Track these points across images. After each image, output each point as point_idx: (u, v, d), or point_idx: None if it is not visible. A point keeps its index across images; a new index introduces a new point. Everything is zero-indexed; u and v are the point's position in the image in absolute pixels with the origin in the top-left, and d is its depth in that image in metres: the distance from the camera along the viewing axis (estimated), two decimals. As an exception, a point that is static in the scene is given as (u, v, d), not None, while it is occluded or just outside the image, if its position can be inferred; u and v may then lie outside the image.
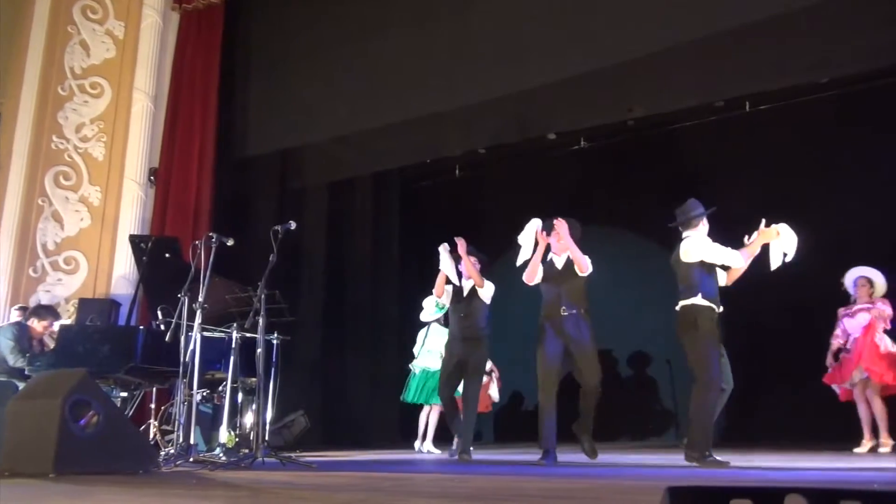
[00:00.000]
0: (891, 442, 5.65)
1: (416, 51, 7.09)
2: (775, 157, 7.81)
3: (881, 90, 6.96)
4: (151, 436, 5.29)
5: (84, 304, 6.84)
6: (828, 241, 6.74)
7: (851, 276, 6.12)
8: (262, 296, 4.63)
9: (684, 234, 4.49)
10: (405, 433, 9.27)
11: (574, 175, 9.11)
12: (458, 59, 6.87)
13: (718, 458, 4.19)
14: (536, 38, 6.49)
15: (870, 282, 6.03)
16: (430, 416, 6.78)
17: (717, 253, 4.35)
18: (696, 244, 4.38)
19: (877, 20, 5.61)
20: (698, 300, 4.27)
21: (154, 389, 5.68)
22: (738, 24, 5.68)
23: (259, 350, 4.63)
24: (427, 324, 6.88)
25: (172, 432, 4.92)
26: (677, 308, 4.38)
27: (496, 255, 9.30)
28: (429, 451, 6.61)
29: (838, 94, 7.20)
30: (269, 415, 5.45)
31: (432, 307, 6.73)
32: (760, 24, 5.62)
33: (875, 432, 5.77)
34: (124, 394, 5.53)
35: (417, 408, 6.88)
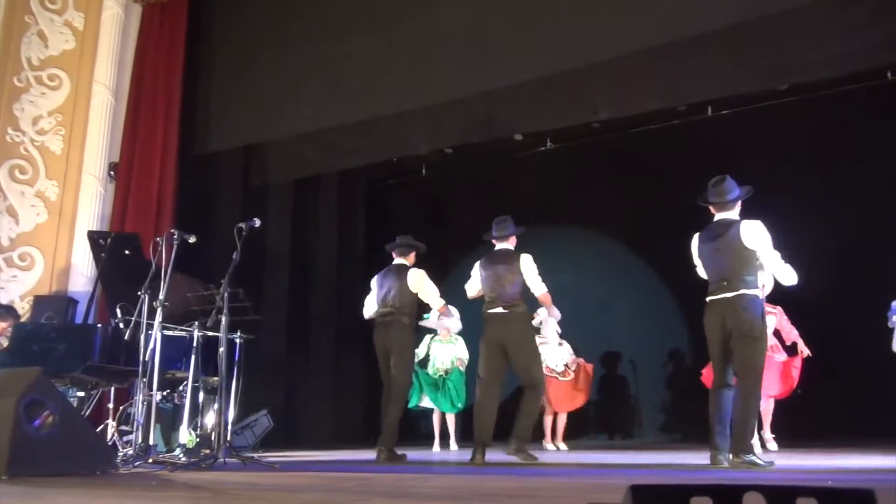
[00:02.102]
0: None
1: (382, 49, 7.07)
2: (736, 160, 7.97)
3: (838, 97, 7.15)
4: (109, 436, 5.17)
5: (40, 302, 6.67)
6: (790, 244, 6.91)
7: None
8: (226, 294, 4.57)
9: (719, 216, 4.16)
10: (369, 433, 9.25)
11: (540, 176, 9.18)
12: (424, 57, 6.87)
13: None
14: (502, 39, 6.52)
15: None
16: (444, 418, 6.94)
17: (776, 261, 4.00)
18: (765, 231, 3.96)
19: (834, 30, 5.77)
20: (760, 294, 3.92)
21: (112, 389, 5.55)
22: (699, 31, 5.80)
23: (221, 349, 4.57)
24: (432, 333, 6.95)
25: (131, 433, 4.83)
26: (737, 295, 3.90)
27: (462, 255, 9.35)
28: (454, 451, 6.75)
29: (797, 101, 7.38)
30: (231, 415, 5.38)
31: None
32: (721, 31, 5.75)
33: None
34: (81, 393, 5.40)
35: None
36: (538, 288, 4.96)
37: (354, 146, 8.11)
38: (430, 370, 6.88)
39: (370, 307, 5.49)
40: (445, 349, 6.95)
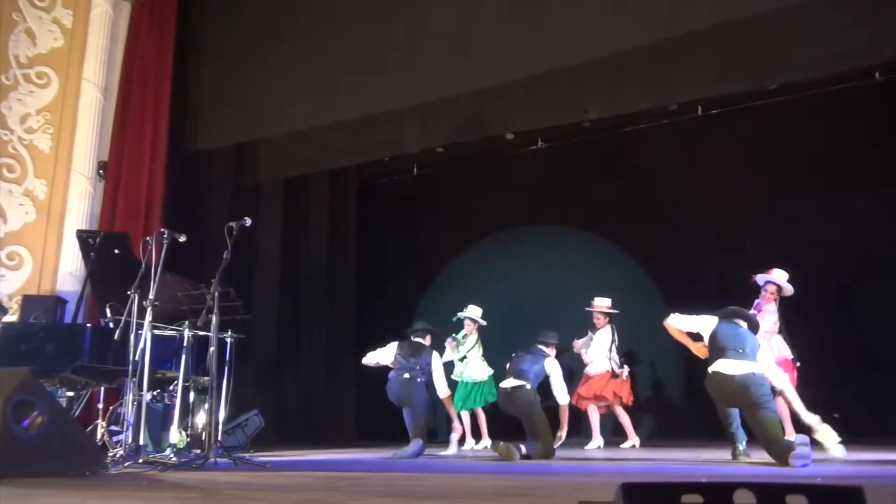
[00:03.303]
0: None
1: (373, 47, 7.06)
2: (726, 159, 8.02)
3: (827, 97, 7.19)
4: (99, 437, 5.14)
5: (28, 301, 6.60)
6: (780, 244, 6.97)
7: None
8: (216, 293, 4.55)
9: None
10: (361, 432, 9.24)
11: (531, 175, 9.19)
12: (415, 56, 6.86)
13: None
14: (494, 38, 6.53)
15: None
16: (474, 416, 7.07)
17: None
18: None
19: (823, 29, 5.80)
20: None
21: (102, 389, 5.52)
22: (689, 31, 5.82)
23: (212, 348, 4.55)
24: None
25: (121, 433, 4.80)
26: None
27: (453, 253, 9.36)
28: (484, 448, 6.84)
29: (786, 100, 7.42)
30: (221, 414, 5.36)
31: (454, 348, 7.14)
32: (711, 30, 5.77)
33: None
34: (71, 393, 5.37)
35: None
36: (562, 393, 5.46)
37: (345, 145, 8.09)
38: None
39: (376, 358, 6.02)
40: (481, 368, 7.16)
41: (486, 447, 6.84)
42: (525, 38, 6.38)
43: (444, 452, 5.93)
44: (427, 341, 6.05)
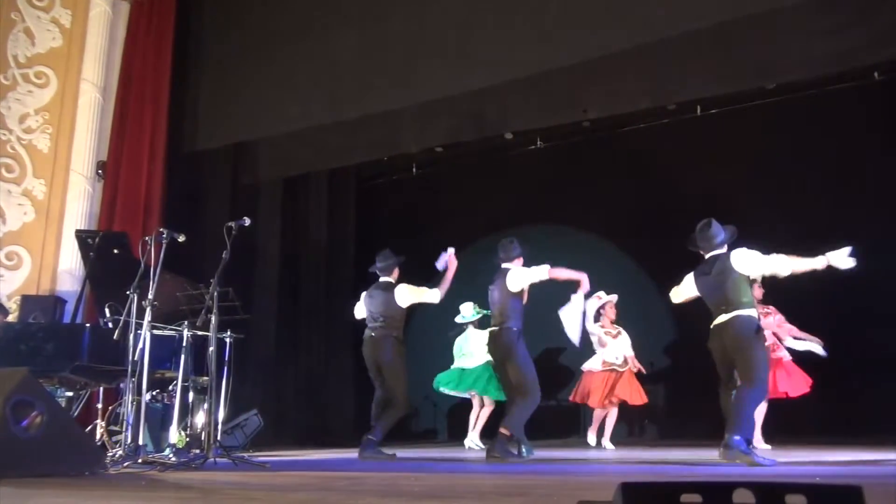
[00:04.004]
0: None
1: (372, 47, 7.05)
2: (724, 159, 8.02)
3: (826, 96, 7.20)
4: (98, 437, 5.14)
5: (27, 301, 6.61)
6: (781, 243, 6.95)
7: None
8: (215, 293, 4.55)
9: (709, 255, 4.53)
10: (360, 431, 9.24)
11: (530, 175, 9.19)
12: (414, 56, 6.85)
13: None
14: (492, 37, 6.52)
15: None
16: (480, 412, 6.93)
17: (771, 263, 4.37)
18: (750, 253, 4.39)
19: (822, 29, 5.80)
20: (753, 312, 4.35)
21: (101, 389, 5.52)
22: (688, 30, 5.82)
23: (211, 348, 4.56)
24: (461, 329, 7.08)
25: (120, 433, 4.80)
26: (732, 317, 4.33)
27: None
28: (473, 447, 6.75)
29: (785, 100, 7.43)
30: (221, 414, 5.36)
31: (470, 310, 6.98)
32: (709, 29, 5.77)
33: None
34: (70, 393, 5.37)
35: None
36: (538, 272, 4.99)
37: (344, 145, 8.08)
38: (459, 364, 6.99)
39: (358, 314, 5.69)
40: (481, 337, 6.81)
41: (470, 447, 6.80)
42: (523, 37, 6.38)
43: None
44: (394, 277, 5.49)
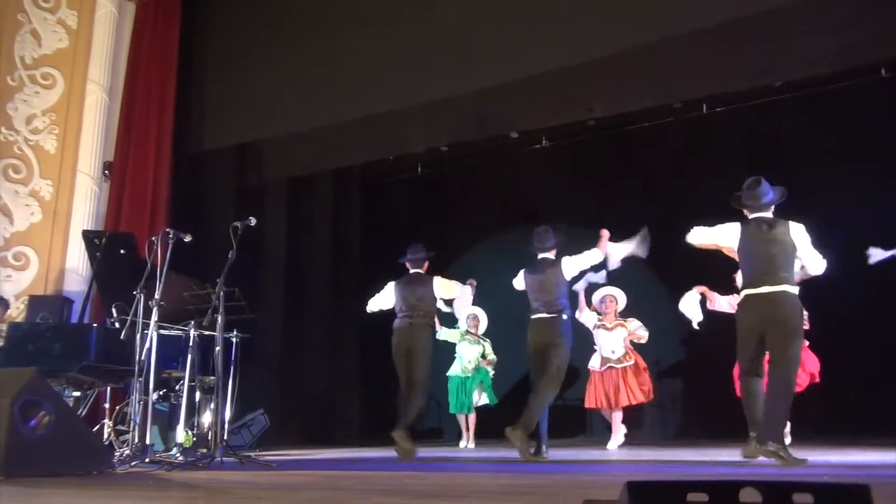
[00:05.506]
0: None
1: (378, 46, 7.05)
2: (731, 157, 7.99)
3: (833, 94, 7.16)
4: (106, 436, 5.16)
5: (34, 302, 6.64)
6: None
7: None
8: (221, 293, 4.56)
9: (755, 215, 4.23)
10: (365, 431, 9.24)
11: (535, 174, 9.17)
12: (419, 55, 6.86)
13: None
14: (498, 37, 6.51)
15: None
16: (468, 417, 7.12)
17: (814, 257, 4.17)
18: (808, 240, 4.14)
19: (829, 26, 5.77)
20: (797, 290, 4.06)
21: (108, 389, 5.55)
22: (693, 28, 5.80)
23: (217, 348, 4.57)
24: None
25: (127, 432, 4.81)
26: (783, 291, 4.00)
27: (458, 253, 9.35)
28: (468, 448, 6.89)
29: (792, 97, 7.39)
30: (227, 414, 5.37)
31: (456, 336, 7.22)
32: (715, 27, 5.74)
33: None
34: (77, 393, 5.39)
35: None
36: (593, 255, 5.17)
37: (349, 144, 8.08)
38: (459, 370, 7.15)
39: (379, 303, 5.63)
40: (472, 349, 7.18)
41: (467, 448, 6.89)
42: (529, 36, 6.37)
43: None
44: (424, 269, 5.52)
